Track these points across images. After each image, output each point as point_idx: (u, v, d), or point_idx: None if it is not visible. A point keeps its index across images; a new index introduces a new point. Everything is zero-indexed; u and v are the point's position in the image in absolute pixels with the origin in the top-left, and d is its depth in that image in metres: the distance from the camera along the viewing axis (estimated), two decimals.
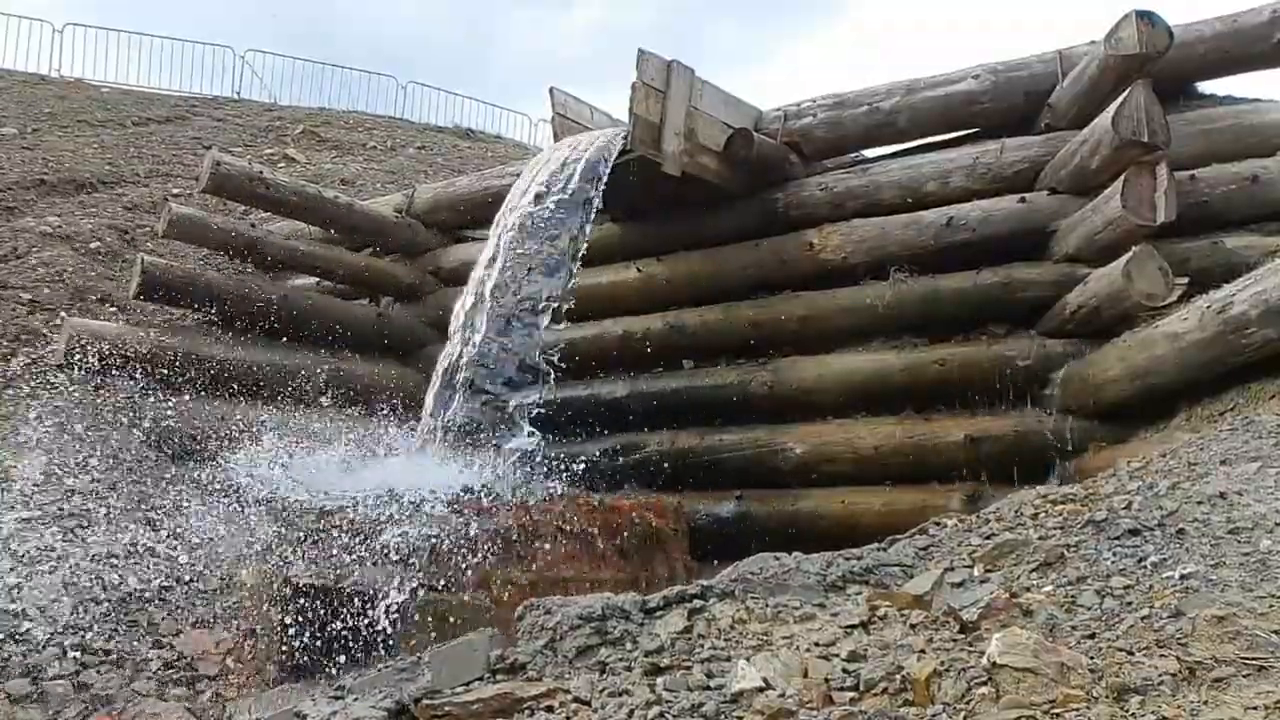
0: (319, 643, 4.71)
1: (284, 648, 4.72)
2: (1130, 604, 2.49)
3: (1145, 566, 2.69)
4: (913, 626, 2.57)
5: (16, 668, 4.74)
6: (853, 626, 2.64)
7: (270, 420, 7.11)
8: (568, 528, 5.28)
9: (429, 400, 6.69)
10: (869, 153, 7.34)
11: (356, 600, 4.73)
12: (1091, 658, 2.24)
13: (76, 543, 5.60)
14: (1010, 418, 5.98)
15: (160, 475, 6.44)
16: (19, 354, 7.43)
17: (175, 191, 10.40)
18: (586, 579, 5.09)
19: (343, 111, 16.07)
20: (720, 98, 7.15)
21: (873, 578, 3.06)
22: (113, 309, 8.21)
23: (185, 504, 6.09)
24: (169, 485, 6.31)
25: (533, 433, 6.46)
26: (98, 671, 4.86)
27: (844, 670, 2.41)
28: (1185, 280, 5.36)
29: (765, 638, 2.65)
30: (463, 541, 4.95)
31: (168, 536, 5.81)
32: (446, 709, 2.60)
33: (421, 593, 4.76)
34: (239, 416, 7.11)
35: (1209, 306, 4.81)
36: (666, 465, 7.18)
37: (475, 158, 14.11)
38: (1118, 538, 2.90)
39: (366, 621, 4.70)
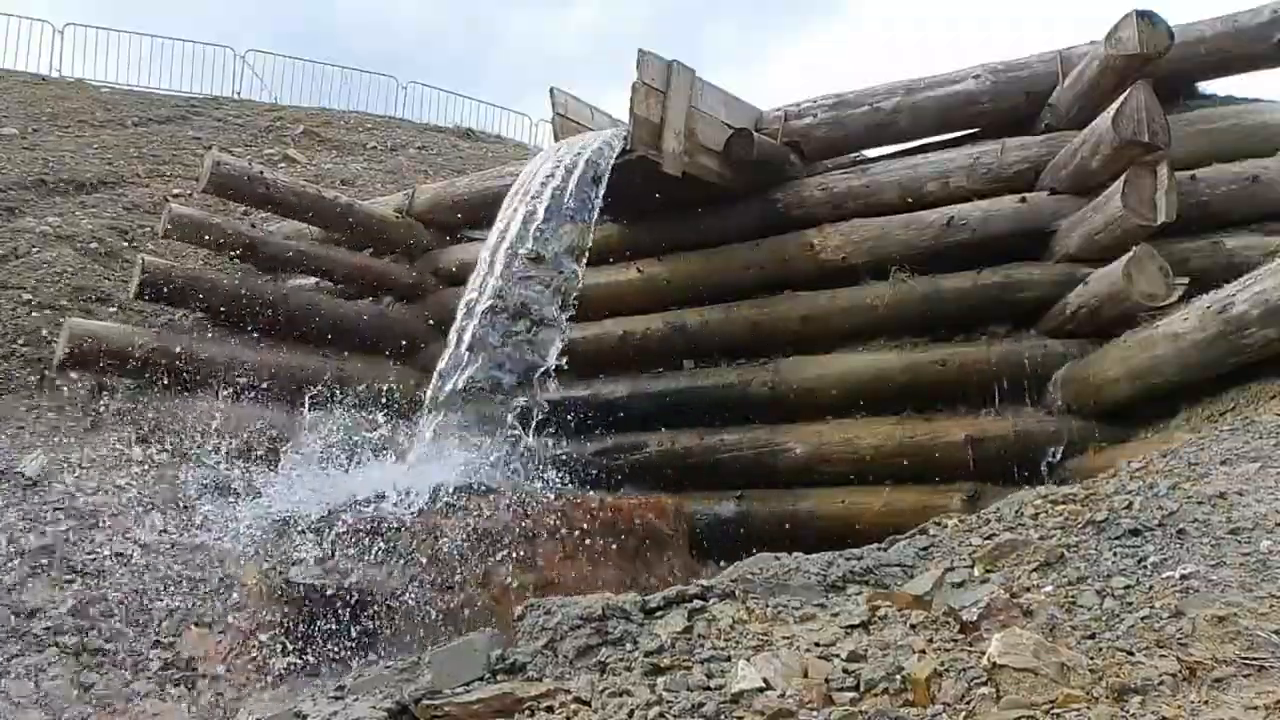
0: (319, 642, 4.71)
1: (284, 647, 4.72)
2: (1130, 604, 2.48)
3: (1146, 567, 2.68)
4: (913, 627, 2.56)
5: (17, 668, 4.74)
6: (853, 627, 2.63)
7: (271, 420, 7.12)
8: (568, 528, 5.29)
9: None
10: (869, 153, 7.34)
11: (357, 600, 4.73)
12: (1092, 658, 2.24)
13: (78, 542, 5.60)
14: (1010, 418, 5.98)
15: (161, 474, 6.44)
16: (19, 354, 7.43)
17: (175, 192, 10.39)
18: (586, 579, 5.09)
19: (343, 111, 16.03)
20: (720, 98, 7.15)
21: (873, 578, 3.06)
22: (113, 309, 8.21)
23: (185, 504, 6.09)
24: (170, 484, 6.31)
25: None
26: (98, 672, 4.87)
27: (844, 670, 2.40)
28: (1185, 280, 5.36)
29: (765, 638, 2.65)
30: (464, 542, 4.95)
31: (166, 537, 5.81)
32: (447, 709, 2.60)
33: (422, 593, 4.76)
34: (238, 416, 7.11)
35: (1209, 306, 4.80)
36: (667, 465, 7.18)
37: (475, 158, 14.10)
38: (1118, 538, 2.89)
39: (366, 621, 4.70)
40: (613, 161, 6.63)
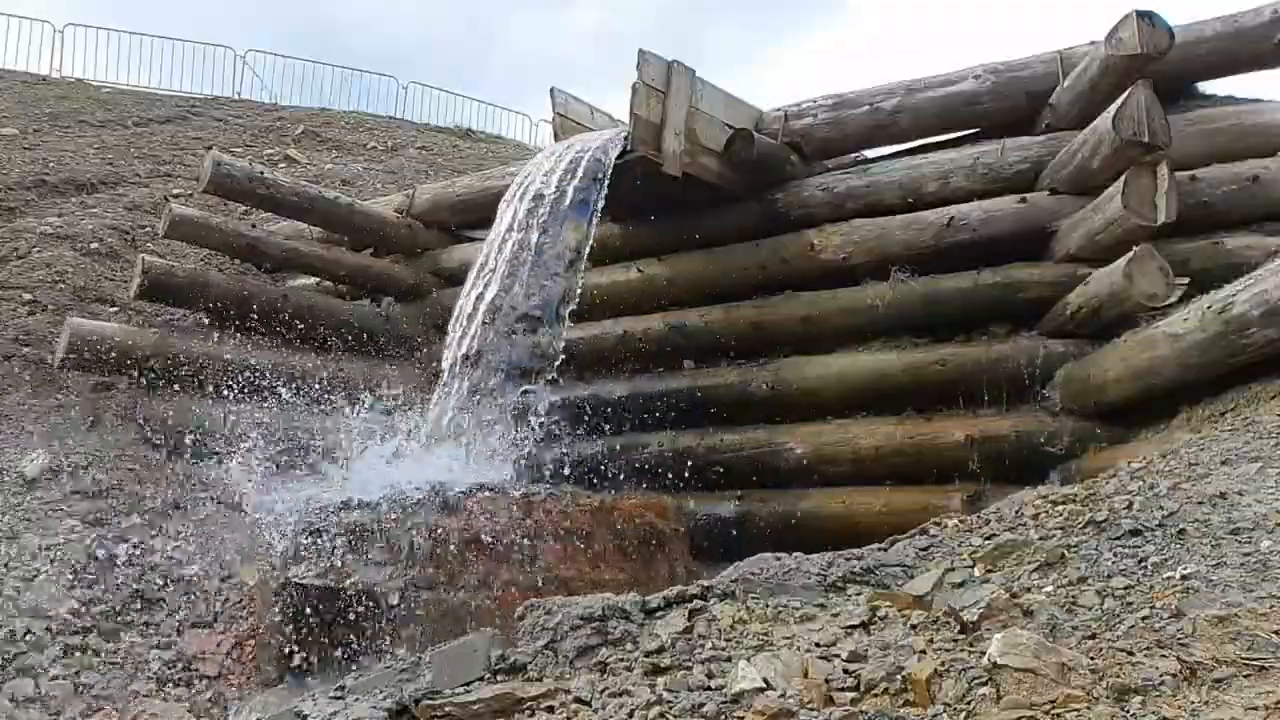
0: (319, 642, 4.70)
1: (284, 647, 4.72)
2: (1131, 604, 2.49)
3: (1146, 567, 2.68)
4: (913, 627, 2.56)
5: (17, 668, 4.74)
6: (853, 627, 2.64)
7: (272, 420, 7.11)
8: (568, 528, 5.28)
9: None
10: (870, 153, 7.34)
11: (357, 600, 4.73)
12: (1092, 658, 2.24)
13: (79, 542, 5.60)
14: (1011, 418, 5.98)
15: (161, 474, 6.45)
16: (20, 354, 7.43)
17: (176, 192, 10.40)
18: (587, 579, 5.09)
19: (343, 111, 16.06)
20: (721, 98, 7.14)
21: (873, 578, 3.06)
22: (113, 309, 8.22)
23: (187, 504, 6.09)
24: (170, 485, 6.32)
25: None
26: (98, 671, 4.87)
27: (844, 670, 2.40)
28: (1186, 280, 5.36)
29: (766, 638, 2.65)
30: (465, 541, 4.95)
31: (168, 537, 5.81)
32: (447, 709, 2.60)
33: (422, 593, 4.76)
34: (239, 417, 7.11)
35: (1209, 306, 4.80)
36: (667, 465, 7.17)
37: (475, 158, 14.11)
38: (1118, 538, 2.90)
39: (367, 621, 4.70)
40: (613, 162, 6.63)
